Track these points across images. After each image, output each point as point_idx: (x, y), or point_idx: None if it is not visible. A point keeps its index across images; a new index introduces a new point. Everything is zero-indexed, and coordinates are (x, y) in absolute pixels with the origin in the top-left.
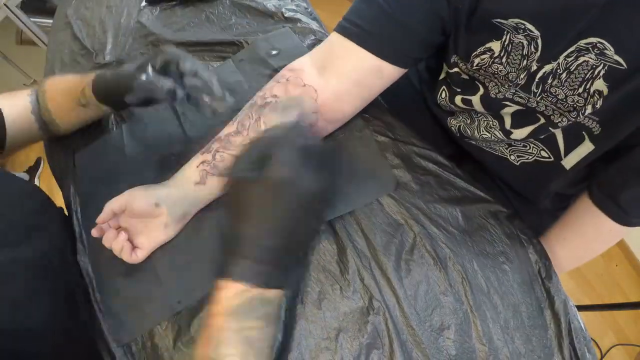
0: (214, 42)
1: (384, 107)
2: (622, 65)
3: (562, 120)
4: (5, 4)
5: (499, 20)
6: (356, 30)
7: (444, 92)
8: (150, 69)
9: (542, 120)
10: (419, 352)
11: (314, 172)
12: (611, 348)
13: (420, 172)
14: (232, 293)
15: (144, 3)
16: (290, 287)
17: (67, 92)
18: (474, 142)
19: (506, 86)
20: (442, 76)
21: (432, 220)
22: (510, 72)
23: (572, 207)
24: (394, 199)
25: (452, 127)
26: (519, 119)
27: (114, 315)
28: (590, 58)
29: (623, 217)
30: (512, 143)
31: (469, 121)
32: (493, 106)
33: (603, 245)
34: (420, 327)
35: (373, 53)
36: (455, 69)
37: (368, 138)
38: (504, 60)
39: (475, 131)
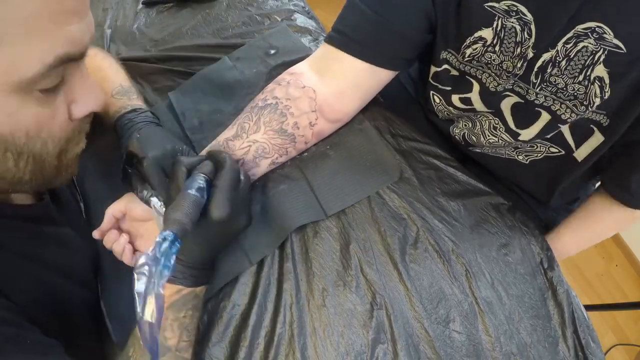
0: (213, 44)
1: (383, 103)
2: (621, 49)
3: (570, 115)
4: None
5: (490, 4)
6: (341, 38)
7: (436, 97)
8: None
9: (548, 117)
10: (425, 344)
11: (240, 212)
12: (611, 348)
13: (421, 167)
14: (170, 292)
15: (140, 5)
16: (210, 282)
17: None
18: (479, 150)
19: (504, 77)
20: (429, 77)
21: (434, 214)
22: (505, 60)
23: (586, 197)
24: (397, 194)
25: (456, 136)
26: (520, 116)
27: (119, 316)
28: (590, 43)
29: (634, 201)
30: (519, 145)
31: (470, 125)
32: (493, 100)
33: (618, 227)
34: (426, 320)
35: (361, 59)
36: (445, 66)
37: (369, 130)
38: (497, 48)
39: (481, 136)
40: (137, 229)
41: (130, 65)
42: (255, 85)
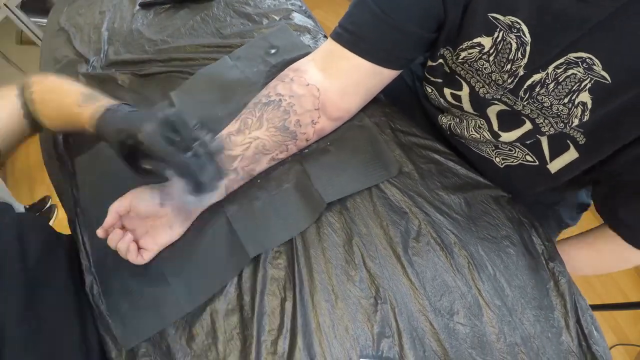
0: (212, 44)
1: (382, 98)
2: (607, 80)
3: (549, 129)
4: (5, 4)
5: (494, 15)
6: (349, 36)
7: (428, 88)
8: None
9: (530, 126)
10: (430, 337)
11: None
12: (611, 348)
13: (421, 161)
14: None
15: (137, 7)
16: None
17: (63, 117)
18: (463, 141)
19: (493, 87)
20: (424, 70)
21: (436, 208)
22: (494, 72)
23: (593, 231)
24: (398, 188)
25: (443, 125)
26: (505, 121)
27: (122, 318)
28: (579, 71)
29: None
30: (499, 145)
31: (458, 120)
32: (481, 105)
33: (623, 260)
34: (430, 312)
35: (367, 59)
36: (440, 61)
37: (369, 127)
38: (491, 58)
39: (465, 131)
40: (141, 227)
41: (130, 66)
42: (255, 84)
